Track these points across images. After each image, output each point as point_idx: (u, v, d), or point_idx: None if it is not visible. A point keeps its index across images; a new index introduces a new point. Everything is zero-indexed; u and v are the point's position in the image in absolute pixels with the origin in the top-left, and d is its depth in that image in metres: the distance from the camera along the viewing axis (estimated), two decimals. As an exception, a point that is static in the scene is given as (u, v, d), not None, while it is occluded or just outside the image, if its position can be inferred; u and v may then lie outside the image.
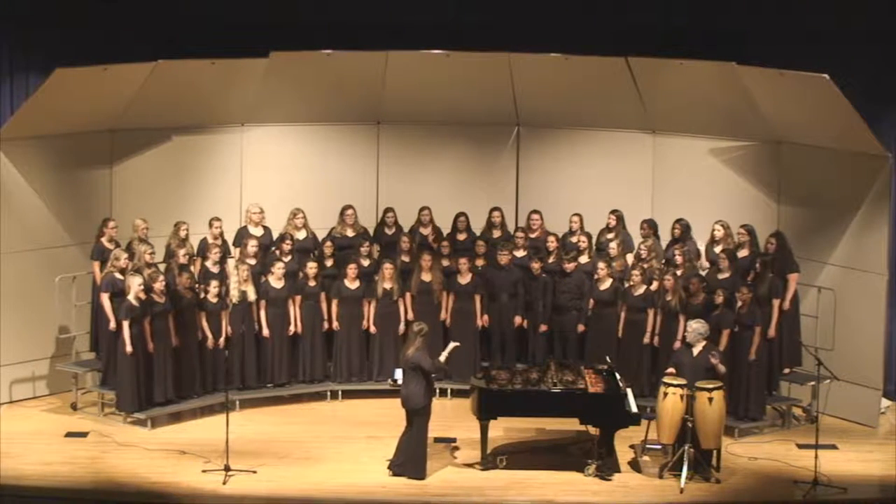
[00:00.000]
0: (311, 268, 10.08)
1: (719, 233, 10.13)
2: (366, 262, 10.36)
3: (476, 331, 10.46)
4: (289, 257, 10.07)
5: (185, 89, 10.16)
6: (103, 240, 9.83)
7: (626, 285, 10.04)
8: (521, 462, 8.84)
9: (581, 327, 10.23)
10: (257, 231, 10.37)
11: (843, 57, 9.93)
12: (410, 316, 10.15)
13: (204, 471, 8.35)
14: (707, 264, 10.26)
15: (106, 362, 9.63)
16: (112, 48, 10.24)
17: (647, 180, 10.99)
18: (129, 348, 9.11)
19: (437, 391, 10.01)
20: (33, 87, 9.88)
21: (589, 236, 10.56)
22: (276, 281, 9.93)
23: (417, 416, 8.48)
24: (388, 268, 10.18)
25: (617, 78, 10.33)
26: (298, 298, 10.05)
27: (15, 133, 9.58)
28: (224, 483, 8.16)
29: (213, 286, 9.64)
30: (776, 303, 9.70)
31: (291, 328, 10.07)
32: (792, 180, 10.28)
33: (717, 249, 10.06)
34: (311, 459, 8.84)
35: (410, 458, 8.51)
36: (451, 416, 9.71)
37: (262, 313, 9.95)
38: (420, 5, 10.69)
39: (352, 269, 10.14)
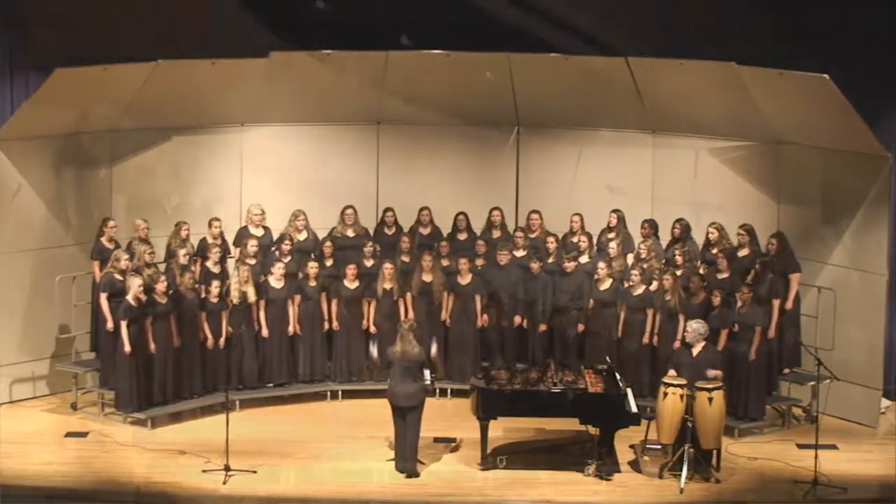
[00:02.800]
0: (312, 268, 10.08)
1: (713, 235, 10.13)
2: (369, 263, 10.35)
3: (476, 331, 10.46)
4: (288, 258, 10.07)
5: (185, 89, 10.16)
6: (103, 240, 9.83)
7: (626, 285, 10.04)
8: (521, 462, 8.84)
9: (581, 327, 10.23)
10: (258, 231, 10.37)
11: (842, 57, 9.93)
12: (411, 316, 10.15)
13: (204, 471, 8.35)
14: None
15: (105, 362, 9.63)
16: (112, 48, 10.25)
17: (646, 180, 10.99)
18: (127, 348, 9.11)
19: (438, 391, 10.05)
20: (33, 87, 9.88)
21: (589, 236, 10.55)
22: (275, 281, 9.93)
23: (417, 412, 8.52)
24: (388, 268, 10.17)
25: (617, 78, 10.34)
26: (298, 298, 10.05)
27: (15, 133, 9.59)
28: (224, 483, 8.15)
29: (214, 286, 9.64)
30: (776, 303, 9.70)
31: (291, 328, 10.07)
32: (792, 180, 10.29)
33: (714, 251, 10.06)
34: (311, 459, 8.84)
35: (413, 455, 8.56)
36: (451, 416, 9.72)
37: (262, 314, 9.96)
38: (420, 5, 10.71)
39: (351, 270, 10.14)
